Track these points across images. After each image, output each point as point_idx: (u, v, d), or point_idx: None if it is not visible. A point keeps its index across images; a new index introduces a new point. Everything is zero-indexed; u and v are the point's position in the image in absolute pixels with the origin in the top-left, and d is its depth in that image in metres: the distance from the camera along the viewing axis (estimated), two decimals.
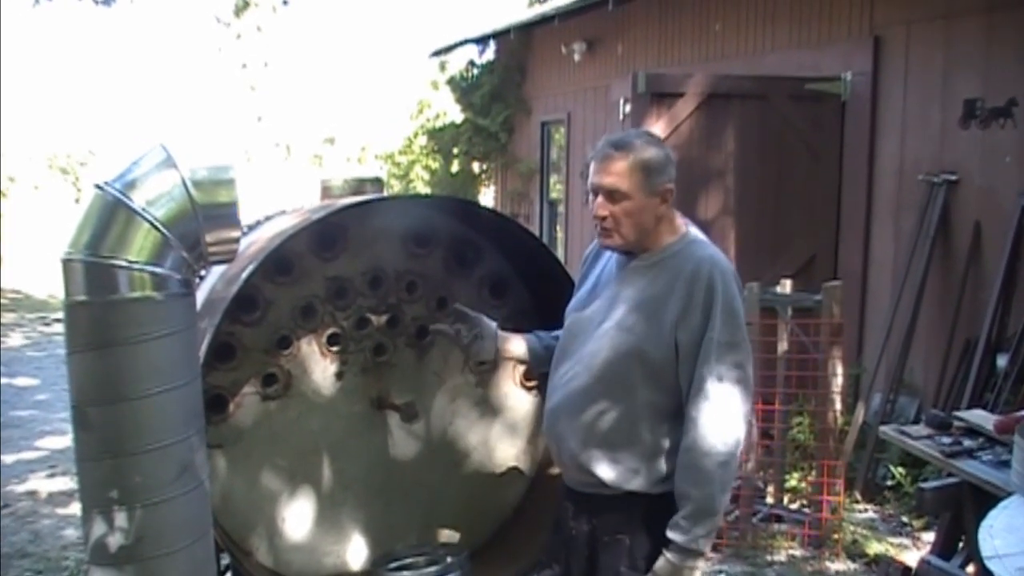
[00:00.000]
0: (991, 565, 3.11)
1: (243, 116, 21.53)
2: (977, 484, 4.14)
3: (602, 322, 3.15)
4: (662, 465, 3.12)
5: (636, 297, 3.11)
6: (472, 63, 15.61)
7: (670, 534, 3.04)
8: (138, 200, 2.69)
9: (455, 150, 15.66)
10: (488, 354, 3.51)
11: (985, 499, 3.95)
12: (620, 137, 3.13)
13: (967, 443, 4.44)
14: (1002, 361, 6.60)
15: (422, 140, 16.69)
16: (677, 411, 3.10)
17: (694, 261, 3.09)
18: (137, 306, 2.68)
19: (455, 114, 16.07)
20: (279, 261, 3.70)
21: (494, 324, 3.51)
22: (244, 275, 3.29)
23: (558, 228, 13.76)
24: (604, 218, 3.09)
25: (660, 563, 3.07)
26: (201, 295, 3.65)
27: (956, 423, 4.70)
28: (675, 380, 3.08)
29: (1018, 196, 6.71)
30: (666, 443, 3.12)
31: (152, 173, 2.75)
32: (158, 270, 2.70)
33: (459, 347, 3.59)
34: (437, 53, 16.35)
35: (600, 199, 3.08)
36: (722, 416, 3.02)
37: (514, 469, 4.33)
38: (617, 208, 3.06)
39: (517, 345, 3.54)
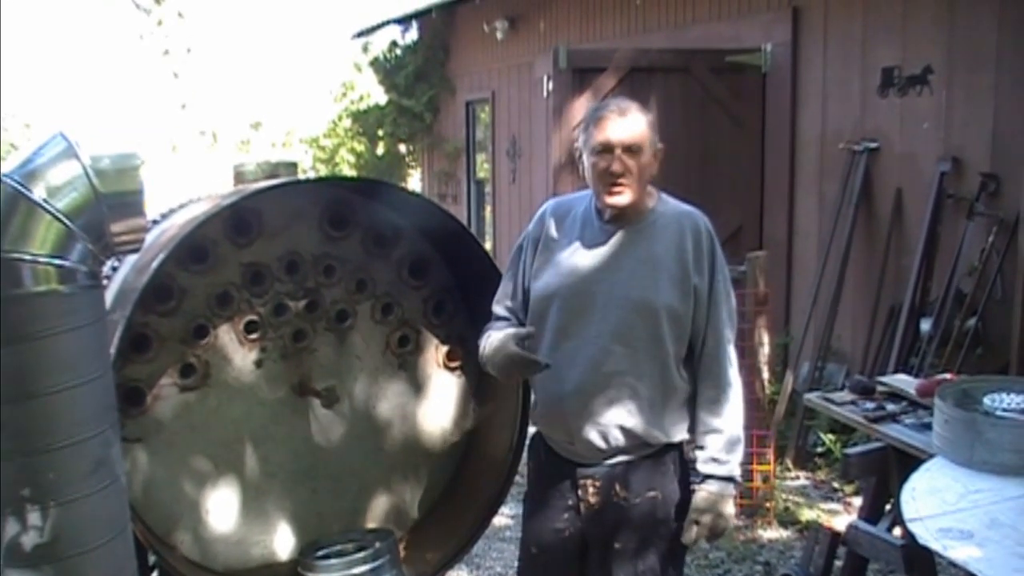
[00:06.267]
0: (913, 527, 3.14)
1: (167, 104, 21.17)
2: (901, 448, 4.18)
3: (611, 291, 3.21)
4: (691, 410, 3.32)
5: (643, 258, 3.23)
6: (395, 43, 15.48)
7: (708, 468, 3.26)
8: (39, 191, 2.60)
9: (380, 132, 15.52)
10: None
11: (909, 462, 3.98)
12: (623, 101, 3.27)
13: (890, 407, 4.49)
14: (926, 325, 6.69)
15: (347, 123, 16.51)
16: (690, 356, 3.30)
17: (686, 216, 3.32)
18: (43, 300, 2.60)
19: (379, 96, 15.92)
20: (192, 248, 3.63)
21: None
22: (155, 264, 3.22)
23: (486, 207, 13.72)
24: (622, 174, 3.18)
25: (702, 496, 3.25)
26: (113, 286, 3.58)
27: (879, 388, 4.74)
28: (689, 327, 3.24)
29: (937, 162, 6.80)
30: (691, 388, 3.32)
31: (53, 163, 2.66)
32: (63, 262, 2.62)
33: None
34: (360, 34, 16.21)
35: (618, 154, 3.17)
36: (731, 351, 3.30)
37: (440, 451, 4.30)
38: (633, 163, 3.19)
39: None
